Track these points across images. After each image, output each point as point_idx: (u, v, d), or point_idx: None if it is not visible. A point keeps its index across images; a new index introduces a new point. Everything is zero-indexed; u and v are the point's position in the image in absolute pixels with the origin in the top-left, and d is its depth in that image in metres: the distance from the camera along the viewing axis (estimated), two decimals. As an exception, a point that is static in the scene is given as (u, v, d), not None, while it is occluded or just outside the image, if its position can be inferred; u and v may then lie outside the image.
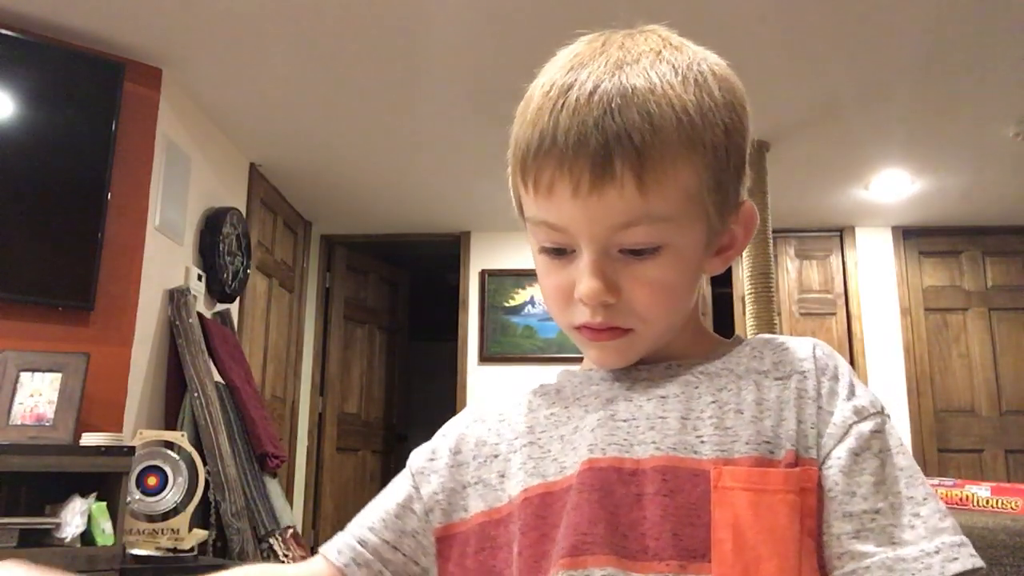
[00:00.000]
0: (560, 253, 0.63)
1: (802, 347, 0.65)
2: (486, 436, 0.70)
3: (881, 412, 0.61)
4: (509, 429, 0.69)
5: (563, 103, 0.59)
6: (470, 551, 0.65)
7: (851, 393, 0.62)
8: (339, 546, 0.69)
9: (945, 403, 4.41)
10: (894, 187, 4.06)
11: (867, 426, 0.60)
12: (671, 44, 0.63)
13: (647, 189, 0.58)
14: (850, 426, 0.60)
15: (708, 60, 0.63)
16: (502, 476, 0.66)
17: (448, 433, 0.73)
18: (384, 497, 0.71)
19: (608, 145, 0.57)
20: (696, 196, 0.60)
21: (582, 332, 0.65)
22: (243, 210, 3.72)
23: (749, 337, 0.69)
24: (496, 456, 0.68)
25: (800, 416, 0.60)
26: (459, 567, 0.65)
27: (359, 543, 0.68)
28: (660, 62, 0.60)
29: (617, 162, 0.57)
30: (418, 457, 0.72)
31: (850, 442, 0.59)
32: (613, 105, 0.58)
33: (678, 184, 0.59)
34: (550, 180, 0.60)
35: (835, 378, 0.62)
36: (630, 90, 0.58)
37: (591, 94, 0.59)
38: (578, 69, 0.61)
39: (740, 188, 0.65)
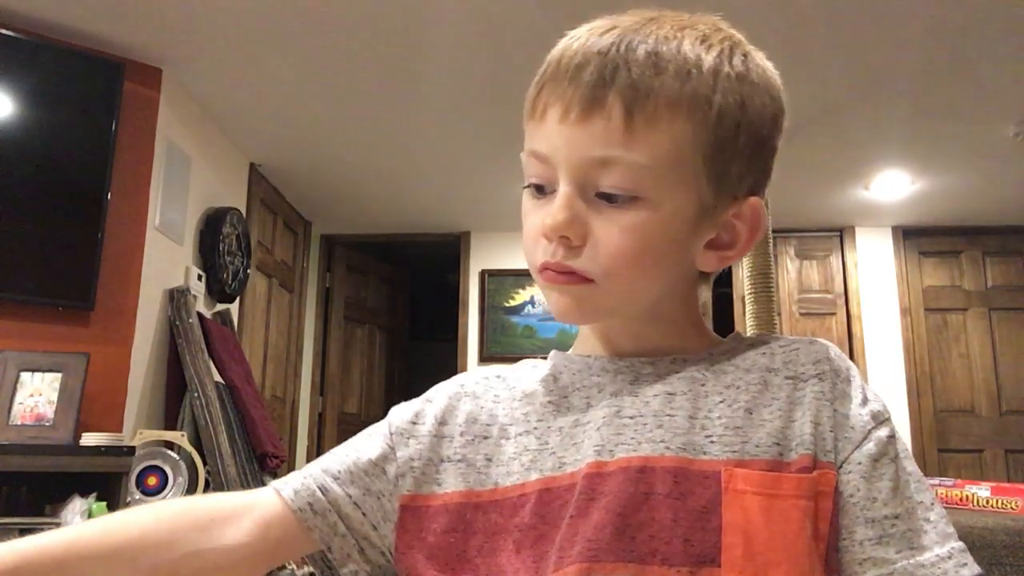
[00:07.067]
0: (541, 191, 0.62)
1: (817, 349, 0.63)
2: (477, 414, 0.66)
3: (890, 418, 0.61)
4: (504, 412, 0.66)
5: (579, 35, 0.61)
6: (437, 528, 0.62)
7: (865, 398, 0.61)
8: (295, 486, 0.64)
9: (945, 403, 4.41)
10: (894, 187, 4.06)
11: (884, 431, 0.60)
12: (719, 27, 0.63)
13: (634, 127, 0.57)
14: (869, 431, 0.59)
15: (756, 53, 0.63)
16: (489, 460, 0.64)
17: (435, 399, 0.69)
18: (354, 449, 0.67)
19: (603, 74, 0.57)
20: (688, 156, 0.58)
21: (543, 275, 0.61)
22: (243, 210, 3.72)
23: (751, 334, 0.67)
24: (486, 438, 0.65)
25: (816, 419, 0.59)
26: (419, 541, 0.62)
27: (319, 489, 0.64)
28: (694, 29, 0.61)
29: (610, 92, 0.57)
30: (399, 416, 0.68)
31: (870, 447, 0.59)
32: (623, 41, 0.58)
33: (670, 135, 0.57)
34: (545, 104, 0.60)
35: (848, 381, 0.61)
36: (646, 34, 0.59)
37: (608, 31, 0.59)
38: (611, 19, 0.62)
39: (747, 175, 0.62)
